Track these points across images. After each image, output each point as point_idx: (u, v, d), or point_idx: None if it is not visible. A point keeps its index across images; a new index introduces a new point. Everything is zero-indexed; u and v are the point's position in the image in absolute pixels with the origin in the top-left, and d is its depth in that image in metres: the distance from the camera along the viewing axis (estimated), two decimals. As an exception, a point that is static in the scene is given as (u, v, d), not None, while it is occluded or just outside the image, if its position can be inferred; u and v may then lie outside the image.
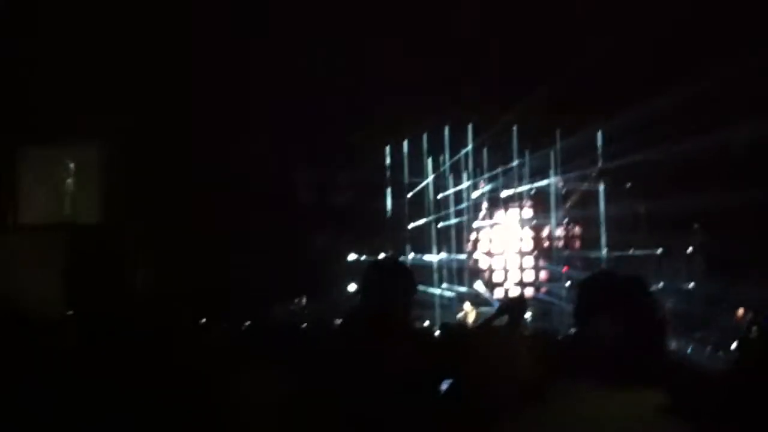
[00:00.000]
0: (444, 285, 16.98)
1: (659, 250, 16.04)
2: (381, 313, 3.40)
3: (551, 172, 16.81)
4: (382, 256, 16.44)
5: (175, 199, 15.22)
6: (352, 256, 16.90)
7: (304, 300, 16.32)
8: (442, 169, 17.50)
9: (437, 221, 17.53)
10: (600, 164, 16.51)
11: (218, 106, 14.95)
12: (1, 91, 14.70)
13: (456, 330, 7.42)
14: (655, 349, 2.40)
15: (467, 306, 15.93)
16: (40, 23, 14.22)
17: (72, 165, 15.62)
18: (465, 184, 17.40)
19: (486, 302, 16.51)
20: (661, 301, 14.55)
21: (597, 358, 2.37)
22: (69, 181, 15.53)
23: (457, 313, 15.89)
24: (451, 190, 17.53)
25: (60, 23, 14.04)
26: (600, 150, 16.42)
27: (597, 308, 2.42)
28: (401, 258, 15.18)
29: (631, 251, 16.07)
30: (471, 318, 15.24)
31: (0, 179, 15.51)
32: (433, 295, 16.50)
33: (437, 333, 7.34)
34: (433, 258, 17.18)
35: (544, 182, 16.93)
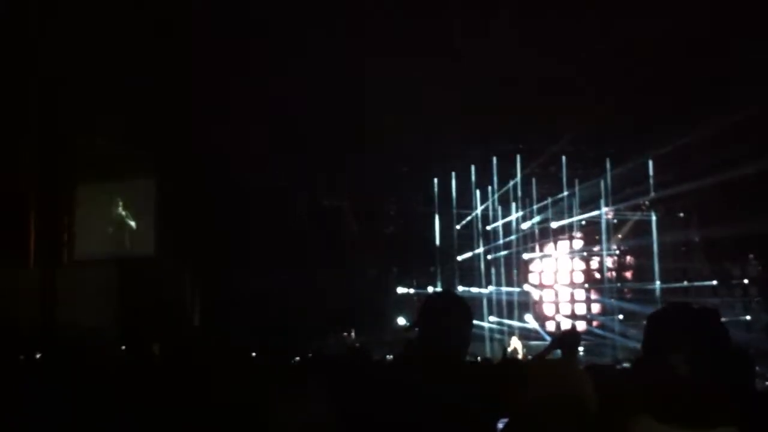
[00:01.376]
0: (492, 318, 16.77)
1: (714, 282, 15.71)
2: (440, 347, 3.33)
3: (602, 201, 16.58)
4: (432, 289, 16.36)
5: (227, 235, 15.31)
6: (400, 290, 16.84)
7: (352, 333, 16.28)
8: (491, 200, 17.39)
9: (486, 253, 17.39)
10: (652, 193, 16.24)
11: (268, 139, 15.06)
12: (56, 131, 15.08)
13: (512, 364, 7.29)
14: (733, 386, 2.27)
15: (515, 340, 15.74)
16: (95, 69, 14.55)
17: (122, 202, 15.92)
18: (514, 215, 17.24)
19: (536, 336, 16.30)
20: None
21: (672, 395, 2.26)
22: (121, 216, 15.82)
23: (506, 346, 15.72)
24: (500, 222, 17.39)
25: (116, 70, 14.35)
26: (651, 179, 16.16)
27: (672, 342, 2.31)
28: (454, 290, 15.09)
29: (685, 282, 15.76)
30: (519, 352, 15.05)
31: (53, 215, 15.84)
32: (481, 328, 16.34)
33: (493, 366, 7.21)
34: (481, 290, 17.02)
35: (594, 213, 16.69)
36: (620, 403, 2.83)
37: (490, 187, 17.29)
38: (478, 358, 13.27)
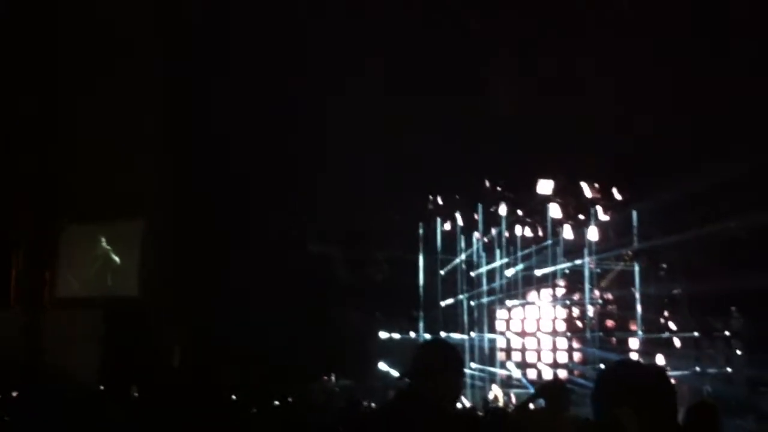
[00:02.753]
0: (473, 365, 16.69)
1: (696, 333, 15.75)
2: (432, 398, 3.31)
3: (585, 251, 16.65)
4: (414, 334, 16.30)
5: (206, 274, 15.22)
6: (383, 334, 16.77)
7: (333, 377, 16.15)
8: (475, 247, 17.44)
9: (469, 299, 17.37)
10: (635, 244, 16.34)
11: (254, 183, 15.09)
12: (37, 173, 15.06)
13: (497, 415, 7.26)
14: None
15: (495, 388, 15.68)
16: (75, 110, 14.60)
17: (104, 241, 15.84)
18: (498, 262, 17.27)
19: (517, 384, 16.24)
20: (697, 387, 14.26)
21: None
22: (102, 256, 15.73)
23: (487, 394, 15.65)
24: (483, 268, 17.42)
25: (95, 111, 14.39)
26: (635, 230, 16.25)
27: (619, 400, 2.34)
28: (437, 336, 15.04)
29: (666, 334, 15.80)
30: (500, 400, 14.99)
31: (34, 256, 15.73)
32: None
33: (479, 417, 7.17)
34: (463, 336, 16.96)
35: (578, 261, 16.74)
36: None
37: (475, 233, 17.36)
38: (459, 405, 13.21)
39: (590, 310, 16.99)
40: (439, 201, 17.10)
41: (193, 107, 14.27)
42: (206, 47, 13.74)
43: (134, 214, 15.65)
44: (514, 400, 14.68)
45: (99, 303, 15.19)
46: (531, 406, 6.57)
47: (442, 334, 16.71)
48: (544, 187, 16.67)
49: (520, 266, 17.17)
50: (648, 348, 15.69)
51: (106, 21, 13.65)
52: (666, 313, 16.11)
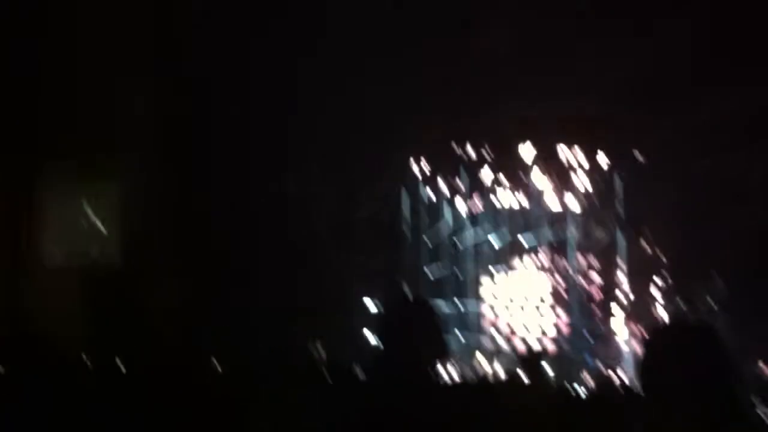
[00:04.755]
0: (456, 332, 16.62)
1: (679, 300, 15.76)
2: (411, 365, 3.15)
3: (569, 217, 16.57)
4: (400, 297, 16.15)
5: (192, 234, 15.06)
6: (367, 301, 16.66)
7: (318, 343, 16.08)
8: (459, 211, 17.29)
9: (453, 266, 17.27)
10: (618, 208, 16.26)
11: (238, 126, 14.87)
12: (20, 130, 14.75)
13: (479, 384, 7.24)
14: (732, 405, 2.18)
15: (478, 355, 15.66)
16: (61, 64, 14.30)
17: (88, 204, 15.61)
18: (481, 227, 17.15)
19: (500, 352, 16.21)
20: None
21: (669, 418, 2.16)
22: (86, 220, 15.48)
23: (470, 362, 15.63)
24: (468, 233, 17.29)
25: (83, 64, 14.10)
26: (619, 193, 16.18)
27: (670, 363, 2.20)
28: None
29: (651, 302, 15.80)
30: (484, 368, 15.01)
31: (17, 218, 15.49)
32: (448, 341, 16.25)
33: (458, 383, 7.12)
34: (446, 304, 16.88)
35: (563, 227, 16.66)
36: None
37: (457, 198, 17.20)
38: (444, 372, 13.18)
39: (574, 279, 16.91)
40: (423, 164, 16.91)
41: (181, 62, 14.05)
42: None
43: (119, 178, 15.41)
44: (497, 370, 14.67)
45: (84, 272, 14.98)
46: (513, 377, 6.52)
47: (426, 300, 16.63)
48: (526, 151, 16.55)
49: (505, 233, 17.06)
50: (633, 317, 15.70)
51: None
52: (650, 280, 16.08)
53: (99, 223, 15.63)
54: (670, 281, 15.83)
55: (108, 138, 14.41)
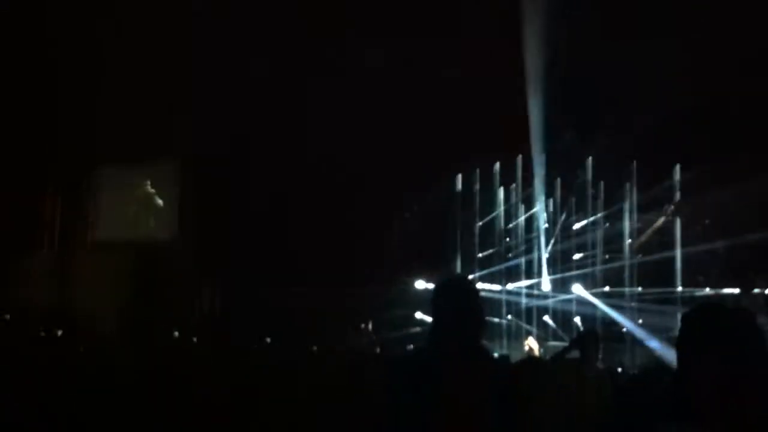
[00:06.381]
0: (509, 317, 16.66)
1: (737, 290, 15.56)
2: (459, 335, 3.29)
3: (626, 204, 16.44)
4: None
5: (247, 221, 15.33)
6: (420, 284, 16.78)
7: (370, 325, 16.26)
8: (513, 200, 17.31)
9: (507, 251, 17.30)
10: (677, 199, 16.10)
11: (288, 128, 15.11)
12: (76, 114, 15.16)
13: (533, 362, 7.30)
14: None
15: (531, 340, 15.64)
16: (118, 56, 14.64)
17: (148, 184, 15.95)
18: (536, 214, 17.14)
19: (555, 335, 16.18)
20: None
21: (705, 400, 2.18)
22: (148, 195, 15.85)
23: (523, 346, 15.63)
24: (521, 219, 17.30)
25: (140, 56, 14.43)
26: (678, 184, 16.02)
27: (706, 345, 2.22)
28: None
29: (706, 290, 15.62)
30: (536, 351, 14.95)
31: (72, 198, 15.92)
32: (500, 325, 16.30)
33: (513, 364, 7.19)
34: (501, 288, 16.92)
35: (618, 215, 16.55)
36: (645, 407, 2.77)
37: (513, 185, 17.21)
38: (496, 354, 13.26)
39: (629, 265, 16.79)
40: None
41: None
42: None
43: (176, 156, 15.74)
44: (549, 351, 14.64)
45: (139, 246, 15.35)
46: (565, 356, 6.58)
47: (480, 284, 16.73)
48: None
49: (561, 219, 17.02)
50: (687, 304, 15.50)
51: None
52: (705, 270, 15.90)
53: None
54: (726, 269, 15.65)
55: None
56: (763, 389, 2.19)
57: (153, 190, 16.07)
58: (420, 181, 16.77)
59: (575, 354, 6.57)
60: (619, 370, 11.43)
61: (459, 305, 3.36)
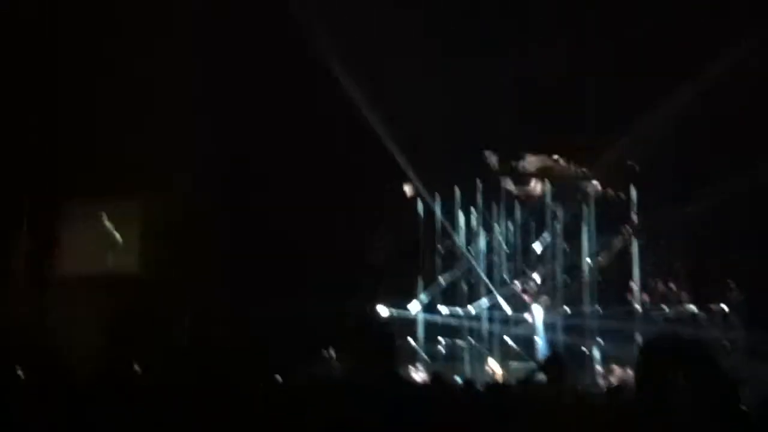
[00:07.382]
0: (470, 339, 16.69)
1: (693, 308, 15.80)
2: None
3: (584, 227, 16.64)
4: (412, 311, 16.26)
5: (209, 254, 15.22)
6: (383, 311, 16.75)
7: (332, 352, 16.16)
8: (473, 222, 17.40)
9: (468, 274, 17.36)
10: (635, 220, 16.35)
11: (256, 163, 15.09)
12: (41, 149, 14.99)
13: (495, 388, 7.33)
14: (727, 415, 2.26)
15: (492, 362, 15.70)
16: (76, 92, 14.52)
17: (107, 219, 15.77)
18: (496, 237, 17.27)
19: (517, 356, 16.24)
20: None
21: (666, 426, 2.27)
22: (106, 234, 15.67)
23: (485, 367, 15.70)
24: (481, 243, 17.40)
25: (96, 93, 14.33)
26: (635, 206, 16.28)
27: (667, 372, 2.31)
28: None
29: (666, 309, 15.85)
30: (498, 375, 15.01)
31: (39, 234, 15.70)
32: (462, 348, 16.33)
33: (473, 389, 7.23)
34: (461, 311, 16.97)
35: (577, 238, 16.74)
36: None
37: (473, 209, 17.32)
38: (459, 380, 13.29)
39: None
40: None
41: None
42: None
43: (137, 191, 15.60)
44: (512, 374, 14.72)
45: (101, 281, 15.17)
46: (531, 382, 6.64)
47: (441, 308, 16.76)
48: (533, 163, 16.76)
49: (518, 242, 17.16)
50: (645, 323, 15.73)
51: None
52: (664, 288, 16.13)
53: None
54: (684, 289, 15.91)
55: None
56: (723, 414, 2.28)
57: (111, 225, 15.90)
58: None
59: (540, 378, 6.63)
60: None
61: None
